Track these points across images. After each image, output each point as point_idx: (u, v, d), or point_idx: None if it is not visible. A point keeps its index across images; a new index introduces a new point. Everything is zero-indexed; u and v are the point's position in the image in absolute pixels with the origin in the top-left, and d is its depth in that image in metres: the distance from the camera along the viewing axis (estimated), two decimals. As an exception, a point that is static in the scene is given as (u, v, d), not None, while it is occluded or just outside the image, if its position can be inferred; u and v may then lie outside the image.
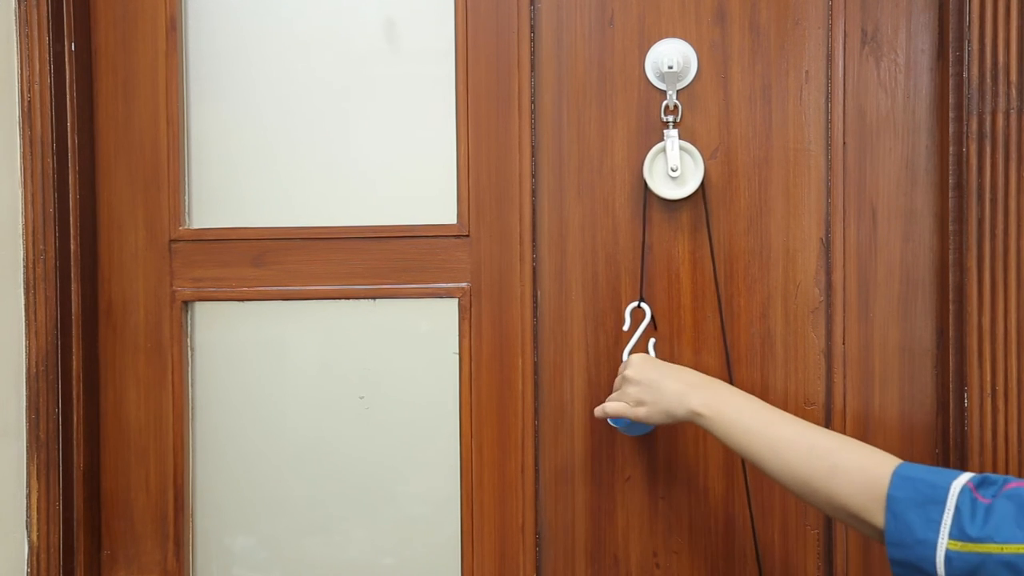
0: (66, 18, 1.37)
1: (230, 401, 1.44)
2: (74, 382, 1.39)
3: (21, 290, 1.37)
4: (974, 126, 1.26)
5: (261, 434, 1.44)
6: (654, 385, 1.20)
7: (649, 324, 1.35)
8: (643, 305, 1.35)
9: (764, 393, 1.36)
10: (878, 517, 1.00)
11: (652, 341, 1.34)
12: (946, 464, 1.31)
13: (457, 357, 1.40)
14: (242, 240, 1.42)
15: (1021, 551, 0.90)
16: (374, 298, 1.41)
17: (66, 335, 1.38)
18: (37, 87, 1.36)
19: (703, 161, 1.34)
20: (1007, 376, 1.26)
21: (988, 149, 1.26)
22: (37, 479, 1.37)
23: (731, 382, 1.34)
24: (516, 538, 1.39)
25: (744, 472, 1.37)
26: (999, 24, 1.25)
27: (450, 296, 1.40)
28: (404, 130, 1.41)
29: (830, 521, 1.36)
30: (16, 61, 1.36)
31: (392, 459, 1.43)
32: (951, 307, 1.29)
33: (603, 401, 1.37)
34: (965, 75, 1.26)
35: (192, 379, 1.44)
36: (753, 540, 1.36)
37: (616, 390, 1.28)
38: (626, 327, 1.35)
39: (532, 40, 1.38)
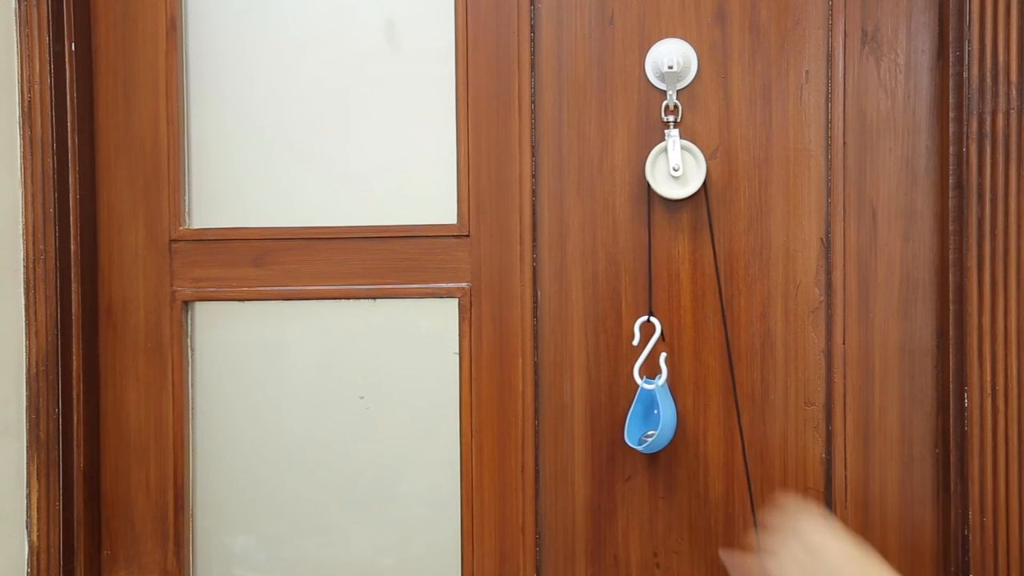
0: (66, 18, 1.37)
1: (230, 401, 1.44)
2: (74, 382, 1.39)
3: (21, 290, 1.37)
4: (974, 126, 1.26)
5: (261, 434, 1.44)
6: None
7: (659, 339, 1.34)
8: (653, 319, 1.35)
9: (764, 393, 1.36)
10: None
11: (663, 355, 1.34)
12: (946, 465, 1.31)
13: (457, 357, 1.40)
14: (242, 240, 1.42)
15: None
16: (374, 298, 1.41)
17: (66, 335, 1.38)
18: (37, 87, 1.36)
19: (705, 161, 1.34)
20: (1007, 376, 1.26)
21: (988, 149, 1.26)
22: (37, 479, 1.37)
23: (732, 381, 1.34)
24: (516, 538, 1.39)
25: (746, 470, 1.37)
26: (999, 24, 1.25)
27: (450, 296, 1.40)
28: (404, 130, 1.41)
29: (830, 521, 1.36)
30: (16, 61, 1.36)
31: (392, 459, 1.43)
32: (951, 307, 1.29)
33: (604, 402, 1.37)
34: (965, 75, 1.26)
35: (192, 379, 1.44)
36: (754, 524, 1.36)
37: (764, 532, 1.08)
38: (636, 342, 1.35)
39: (532, 40, 1.38)
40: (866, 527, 1.35)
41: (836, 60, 1.34)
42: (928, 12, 1.33)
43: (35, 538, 1.37)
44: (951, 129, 1.28)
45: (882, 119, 1.34)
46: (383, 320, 1.42)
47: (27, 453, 1.37)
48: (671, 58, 1.33)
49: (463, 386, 1.39)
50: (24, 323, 1.37)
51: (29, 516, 1.37)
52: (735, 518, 1.37)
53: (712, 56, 1.36)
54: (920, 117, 1.34)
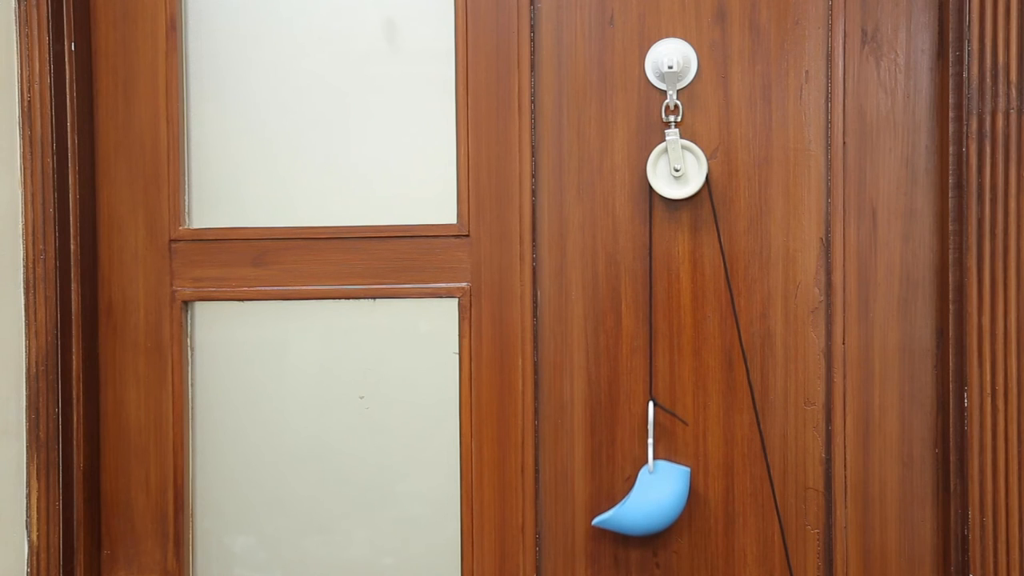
0: (66, 18, 1.37)
1: (230, 401, 1.44)
2: (74, 382, 1.39)
3: (21, 290, 1.37)
4: (974, 126, 1.26)
5: (261, 434, 1.44)
6: None
7: (654, 420, 1.35)
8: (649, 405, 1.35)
9: (764, 393, 1.36)
10: None
11: (649, 442, 1.34)
12: (946, 464, 1.31)
13: (457, 357, 1.40)
14: (242, 240, 1.42)
15: None
16: (374, 298, 1.41)
17: (66, 335, 1.38)
18: (37, 87, 1.36)
19: (706, 161, 1.34)
20: (1007, 376, 1.26)
21: (988, 149, 1.26)
22: (37, 479, 1.37)
23: (749, 382, 1.34)
24: (516, 538, 1.39)
25: (767, 469, 1.37)
26: (999, 24, 1.25)
27: (450, 296, 1.40)
28: (404, 130, 1.41)
29: (830, 521, 1.36)
30: (16, 61, 1.36)
31: (392, 459, 1.43)
32: (951, 307, 1.29)
33: (604, 402, 1.37)
34: (965, 75, 1.26)
35: (192, 379, 1.44)
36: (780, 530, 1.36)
37: None
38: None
39: (532, 40, 1.38)
40: (866, 527, 1.35)
41: (836, 60, 1.34)
42: (928, 12, 1.33)
43: (35, 538, 1.37)
44: (951, 129, 1.28)
45: (882, 119, 1.34)
46: (383, 320, 1.42)
47: (27, 453, 1.37)
48: (671, 58, 1.33)
49: (463, 386, 1.39)
50: (24, 323, 1.37)
51: (29, 516, 1.37)
52: (735, 518, 1.37)
53: (712, 56, 1.36)
54: (920, 117, 1.34)
